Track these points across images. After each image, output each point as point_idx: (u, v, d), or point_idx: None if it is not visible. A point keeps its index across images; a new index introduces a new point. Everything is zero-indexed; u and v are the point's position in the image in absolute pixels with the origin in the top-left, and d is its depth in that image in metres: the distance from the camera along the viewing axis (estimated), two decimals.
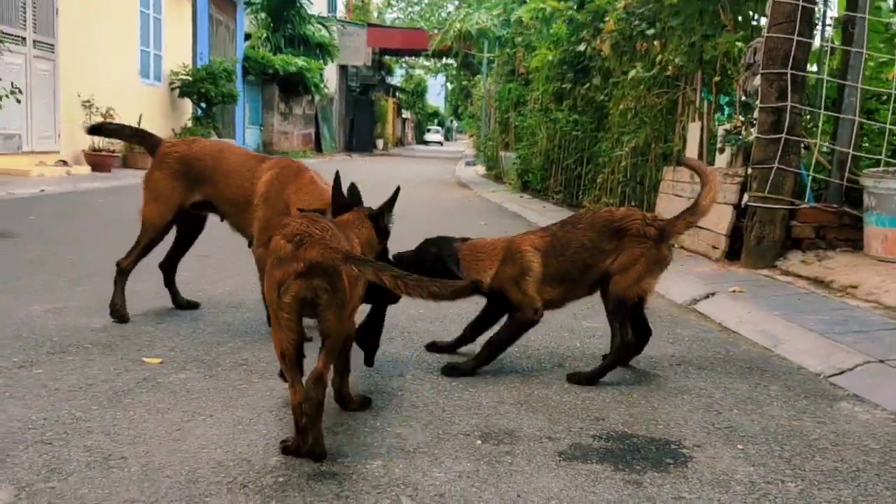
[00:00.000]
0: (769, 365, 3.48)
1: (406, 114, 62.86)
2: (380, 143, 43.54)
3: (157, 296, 4.14)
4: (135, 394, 2.75)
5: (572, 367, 3.32)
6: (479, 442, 2.48)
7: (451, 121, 79.50)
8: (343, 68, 36.54)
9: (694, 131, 7.16)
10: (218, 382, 2.91)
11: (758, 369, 3.40)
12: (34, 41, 12.44)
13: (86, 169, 13.13)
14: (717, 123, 7.06)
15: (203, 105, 18.30)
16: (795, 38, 5.45)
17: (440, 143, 69.01)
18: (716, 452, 2.45)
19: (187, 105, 18.45)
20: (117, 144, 14.30)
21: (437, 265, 3.10)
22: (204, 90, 17.67)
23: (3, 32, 10.56)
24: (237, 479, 2.13)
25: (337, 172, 2.97)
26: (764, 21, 6.16)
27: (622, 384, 3.13)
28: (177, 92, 17.77)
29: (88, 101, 13.29)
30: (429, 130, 72.51)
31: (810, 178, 5.67)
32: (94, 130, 4.20)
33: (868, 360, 3.28)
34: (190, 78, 17.74)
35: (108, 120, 13.53)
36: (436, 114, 78.07)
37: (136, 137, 4.18)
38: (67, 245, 5.95)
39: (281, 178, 3.59)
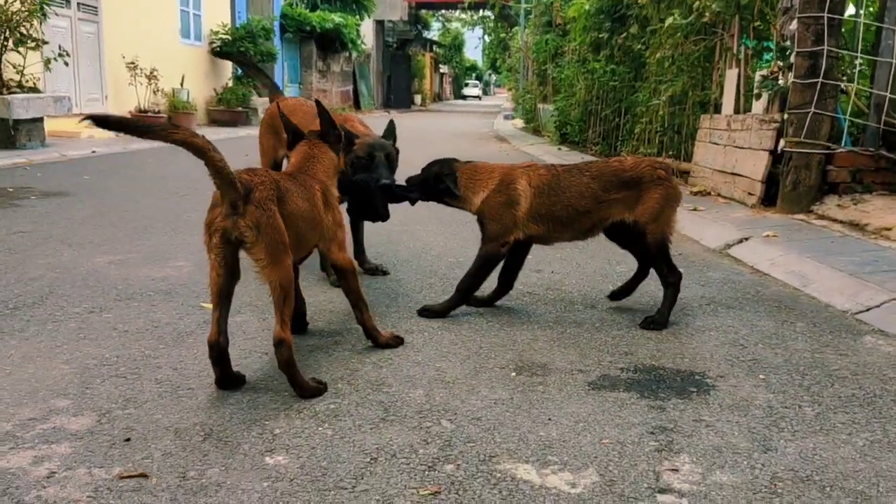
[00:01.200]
0: (797, 304, 3.59)
1: (444, 68, 62.34)
2: (418, 98, 43.41)
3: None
4: (196, 335, 2.98)
5: (604, 308, 3.47)
6: (513, 374, 2.66)
7: (490, 74, 78.70)
8: (379, 23, 36.37)
9: (731, 78, 7.12)
10: (271, 323, 3.11)
11: (786, 307, 3.51)
12: (78, 3, 12.71)
13: None
14: (754, 70, 7.01)
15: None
16: None
17: (478, 98, 68.47)
18: (738, 382, 2.59)
19: (227, 64, 18.67)
20: (162, 104, 14.62)
21: (437, 182, 3.31)
22: (244, 49, 17.85)
23: None
24: (293, 405, 2.34)
25: (317, 101, 3.13)
26: None
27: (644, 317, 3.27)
28: (217, 51, 17.99)
29: (133, 63, 13.58)
30: (467, 85, 71.92)
31: (847, 122, 5.65)
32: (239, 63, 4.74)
33: (895, 297, 3.36)
34: (229, 37, 17.93)
35: (154, 81, 13.83)
36: (473, 68, 77.36)
37: (268, 90, 4.95)
38: (121, 201, 6.24)
39: None
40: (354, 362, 2.73)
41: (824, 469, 1.98)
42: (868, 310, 3.35)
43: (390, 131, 3.69)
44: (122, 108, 13.83)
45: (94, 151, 10.36)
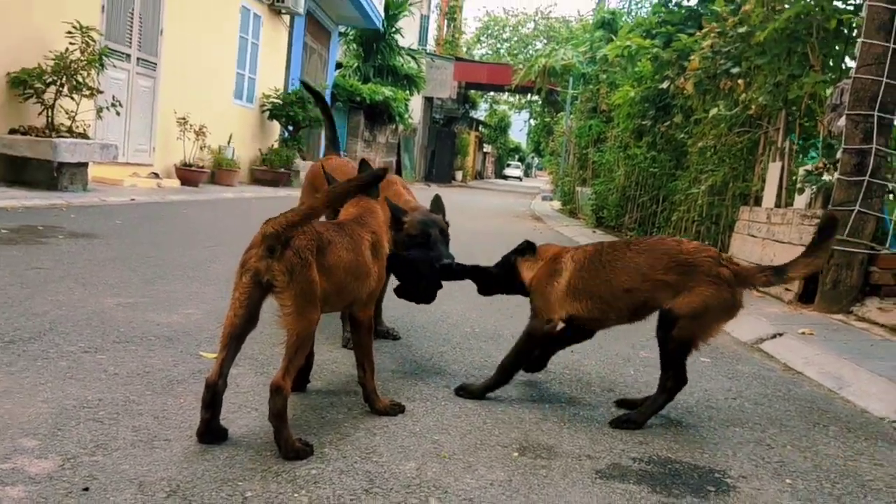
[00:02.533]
0: (831, 406, 3.34)
1: (487, 148, 63.29)
2: (459, 174, 43.93)
3: (220, 297, 4.28)
4: (188, 384, 2.84)
5: (622, 394, 3.26)
6: (515, 454, 2.46)
7: (532, 157, 79.61)
8: (428, 100, 37.20)
9: (774, 171, 6.97)
10: (266, 379, 2.95)
11: (818, 409, 3.26)
12: (138, 58, 13.14)
13: (175, 182, 13.70)
14: (798, 165, 6.87)
15: (290, 128, 18.89)
16: (884, 80, 5.29)
17: (519, 179, 69.09)
18: (761, 485, 2.36)
19: (275, 127, 19.09)
20: (206, 161, 14.90)
21: (505, 267, 3.21)
22: (293, 113, 18.25)
23: (109, 49, 11.18)
24: (272, 468, 2.17)
25: (362, 160, 3.04)
26: (852, 63, 6.01)
27: (672, 411, 3.05)
28: (266, 114, 18.42)
29: (184, 119, 13.91)
30: (509, 165, 72.75)
31: (893, 223, 5.43)
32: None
33: None
34: (280, 101, 18.37)
35: (202, 138, 14.16)
36: (517, 149, 78.35)
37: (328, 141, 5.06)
38: (147, 247, 6.22)
39: None
40: (347, 427, 2.56)
41: None
42: None
43: (438, 206, 3.51)
44: (168, 160, 14.11)
45: (132, 199, 10.50)
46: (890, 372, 3.64)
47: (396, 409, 2.75)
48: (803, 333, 4.55)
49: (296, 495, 2.01)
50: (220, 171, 15.27)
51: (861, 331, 4.75)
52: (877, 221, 5.34)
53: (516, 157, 78.92)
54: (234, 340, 2.35)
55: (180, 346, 3.34)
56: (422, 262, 3.20)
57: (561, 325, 3.07)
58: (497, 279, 3.25)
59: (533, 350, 3.13)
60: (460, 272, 3.25)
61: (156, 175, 13.47)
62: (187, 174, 14.05)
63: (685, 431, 2.83)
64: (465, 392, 3.05)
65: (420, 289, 3.30)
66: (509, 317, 4.70)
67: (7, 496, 1.85)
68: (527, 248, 3.17)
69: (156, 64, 13.74)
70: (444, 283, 3.30)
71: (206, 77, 15.56)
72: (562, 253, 3.11)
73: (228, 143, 15.79)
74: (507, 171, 70.42)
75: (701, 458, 2.56)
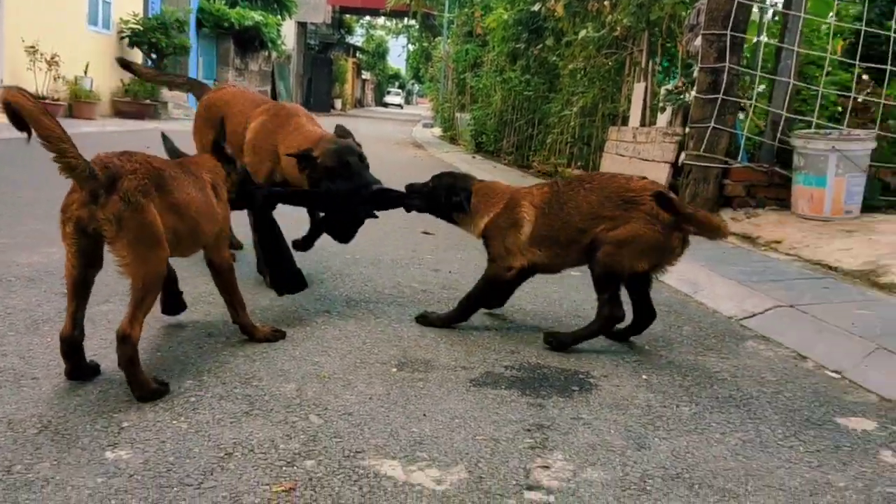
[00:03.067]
0: (686, 309, 3.62)
1: (366, 75, 62.07)
2: (338, 103, 42.99)
3: None
4: (53, 322, 2.75)
5: (497, 308, 3.39)
6: (394, 370, 2.54)
7: (412, 84, 78.81)
8: (302, 25, 35.86)
9: (639, 92, 7.26)
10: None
11: (675, 312, 3.53)
12: None
13: None
14: (661, 84, 7.17)
15: (154, 56, 17.85)
16: (736, 0, 5.55)
17: (400, 106, 68.38)
18: (620, 382, 2.56)
19: (137, 56, 17.96)
20: (62, 93, 13.93)
21: (449, 195, 3.06)
22: (155, 40, 17.22)
23: None
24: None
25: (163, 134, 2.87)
26: None
27: (542, 322, 3.23)
28: (126, 41, 17.29)
29: (33, 47, 12.88)
30: (388, 92, 71.78)
31: (744, 138, 5.81)
32: (126, 67, 4.37)
33: (779, 305, 3.42)
34: (140, 27, 17.27)
35: (55, 68, 13.16)
36: (397, 76, 77.31)
37: (186, 86, 4.38)
38: (9, 188, 5.83)
39: (269, 124, 3.50)
40: (226, 355, 2.57)
41: (695, 467, 1.94)
42: (752, 316, 3.40)
43: (344, 132, 3.35)
44: None
45: None
46: (738, 276, 3.97)
47: (277, 335, 2.76)
48: None
49: (174, 423, 2.02)
50: (77, 104, 14.32)
51: None
52: (730, 137, 5.69)
53: (396, 84, 77.90)
54: (79, 289, 2.23)
55: (43, 286, 3.21)
56: (351, 193, 3.05)
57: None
58: (437, 205, 3.11)
59: (491, 295, 3.16)
60: (396, 198, 3.16)
61: None
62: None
63: None
64: (424, 320, 3.09)
65: (346, 222, 3.20)
66: (386, 242, 4.76)
67: None
68: (466, 188, 3.07)
69: None
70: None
71: (55, 1, 14.38)
72: (519, 198, 2.99)
73: (85, 73, 14.79)
74: (388, 99, 69.47)
75: (567, 362, 2.74)
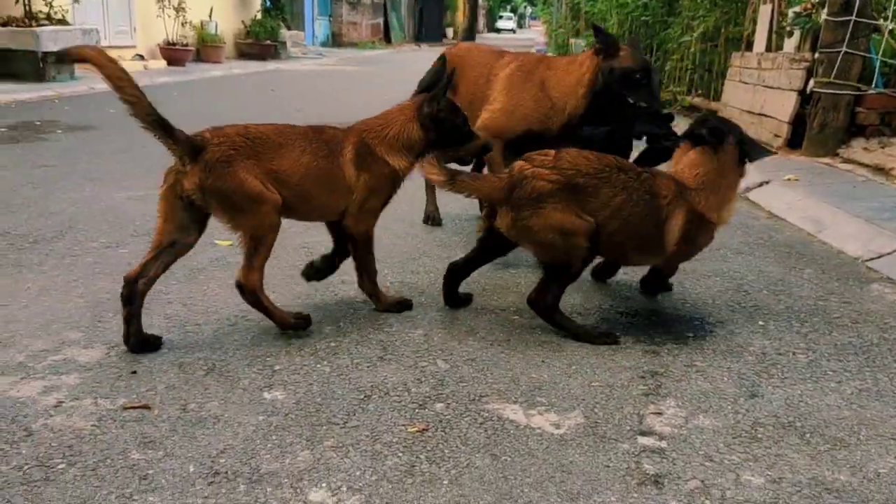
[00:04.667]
0: (808, 249, 3.56)
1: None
2: (450, 31, 42.62)
3: None
4: (208, 271, 3.06)
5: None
6: (514, 317, 2.70)
7: (525, 7, 76.75)
8: None
9: (764, 14, 6.89)
10: (282, 262, 3.19)
11: (796, 254, 3.49)
12: None
13: (161, 63, 13.48)
14: (789, 5, 6.77)
15: None
16: None
17: (513, 31, 67.03)
18: (736, 328, 2.61)
19: None
20: (190, 38, 14.58)
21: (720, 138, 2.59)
22: None
23: None
24: (294, 343, 2.42)
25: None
26: None
27: None
28: None
29: None
30: (500, 17, 70.30)
31: (879, 62, 5.46)
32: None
33: None
34: None
35: (182, 14, 13.72)
36: None
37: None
38: (144, 136, 6.26)
39: (526, 65, 3.45)
40: (359, 302, 2.79)
41: (808, 416, 2.01)
42: (880, 257, 3.32)
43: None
44: (150, 41, 13.80)
45: None
46: (867, 213, 3.84)
47: (402, 306, 2.75)
48: (788, 180, 4.71)
49: (318, 366, 2.26)
50: (205, 48, 14.99)
51: (845, 172, 4.91)
52: (863, 61, 5.37)
53: (508, 7, 76.13)
54: (163, 249, 2.36)
55: None
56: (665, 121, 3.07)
57: None
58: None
59: None
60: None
61: (141, 57, 13.26)
62: (172, 53, 13.80)
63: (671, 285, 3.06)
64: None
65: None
66: None
67: (65, 384, 2.10)
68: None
69: None
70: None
71: None
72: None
73: (210, 17, 15.38)
74: (500, 24, 68.17)
75: (683, 308, 2.80)
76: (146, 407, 1.98)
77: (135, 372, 2.18)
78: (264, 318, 2.49)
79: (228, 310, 2.66)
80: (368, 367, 2.27)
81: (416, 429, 1.92)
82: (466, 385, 2.16)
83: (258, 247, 2.37)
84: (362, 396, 2.08)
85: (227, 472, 1.71)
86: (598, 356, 2.36)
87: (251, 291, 2.39)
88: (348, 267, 3.17)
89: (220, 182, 2.28)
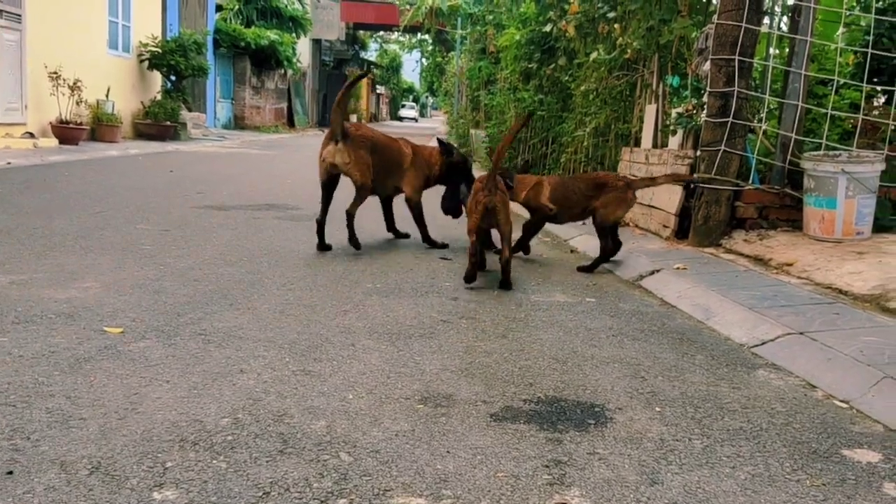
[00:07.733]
0: (699, 336, 3.72)
1: (380, 89, 62.53)
2: (353, 118, 43.33)
3: (116, 268, 4.29)
4: (95, 361, 2.90)
5: (515, 338, 3.53)
6: (418, 405, 2.67)
7: (427, 97, 79.20)
8: (317, 42, 36.30)
9: (650, 113, 7.37)
10: (176, 351, 3.08)
11: (688, 340, 3.64)
12: (1, 11, 12.30)
13: (53, 141, 13.06)
14: (673, 106, 7.27)
15: (173, 78, 18.18)
16: (743, 25, 5.66)
17: (415, 120, 68.80)
18: (634, 414, 2.67)
19: (157, 77, 18.32)
20: (85, 117, 14.23)
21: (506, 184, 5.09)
22: (174, 62, 17.55)
23: None
24: (189, 437, 2.30)
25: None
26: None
27: (559, 352, 3.34)
28: (146, 64, 17.63)
29: (55, 73, 13.19)
30: (403, 106, 72.21)
31: (755, 160, 5.90)
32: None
33: (789, 332, 3.52)
34: (159, 50, 17.61)
35: (77, 92, 13.44)
36: (411, 90, 77.75)
37: None
38: (32, 216, 6.03)
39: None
40: (258, 392, 2.70)
41: (705, 502, 2.05)
42: (763, 343, 3.50)
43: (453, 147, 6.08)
44: (42, 118, 13.39)
45: (9, 163, 9.99)
46: (750, 301, 4.06)
47: (445, 245, 5.84)
48: (678, 268, 4.95)
49: (214, 462, 2.15)
50: (100, 127, 14.65)
51: (728, 262, 5.21)
52: (740, 159, 5.79)
53: (410, 97, 78.35)
54: (326, 195, 5.30)
55: (82, 323, 3.37)
56: (469, 182, 5.70)
57: None
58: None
59: (541, 225, 5.80)
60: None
61: (31, 135, 12.82)
62: (65, 132, 13.41)
63: (571, 371, 3.12)
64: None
65: (457, 202, 5.87)
66: (408, 270, 4.90)
67: None
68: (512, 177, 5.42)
69: (20, 15, 12.91)
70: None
71: (76, 27, 14.74)
72: (541, 181, 5.62)
73: (107, 96, 15.12)
74: (403, 112, 69.93)
75: (584, 394, 2.85)
76: None
77: (11, 472, 2.01)
78: (157, 410, 2.36)
79: (117, 402, 2.52)
80: (268, 461, 2.18)
81: None
82: (370, 479, 2.10)
83: (360, 192, 5.39)
84: (261, 494, 1.99)
85: None
86: (504, 445, 2.36)
87: (350, 216, 5.28)
88: (239, 359, 3.08)
89: (355, 153, 5.45)
